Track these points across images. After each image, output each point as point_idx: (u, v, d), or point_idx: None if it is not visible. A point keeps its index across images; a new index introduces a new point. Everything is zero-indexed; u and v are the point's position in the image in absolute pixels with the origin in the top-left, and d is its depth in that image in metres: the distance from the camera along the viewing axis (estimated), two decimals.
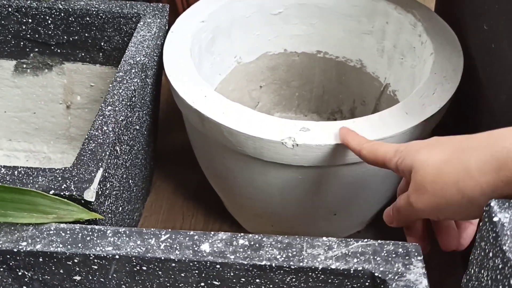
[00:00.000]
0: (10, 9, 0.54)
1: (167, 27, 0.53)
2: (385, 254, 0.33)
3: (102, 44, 0.55)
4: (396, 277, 0.31)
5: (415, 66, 0.54)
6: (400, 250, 0.33)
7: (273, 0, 0.60)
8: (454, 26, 0.52)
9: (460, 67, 0.48)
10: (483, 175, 0.28)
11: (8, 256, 0.34)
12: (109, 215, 0.42)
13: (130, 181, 0.48)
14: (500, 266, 0.26)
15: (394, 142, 0.43)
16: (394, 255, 0.33)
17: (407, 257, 0.32)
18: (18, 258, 0.34)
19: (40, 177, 0.37)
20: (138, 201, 0.55)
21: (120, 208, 0.46)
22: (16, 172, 0.37)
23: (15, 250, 0.34)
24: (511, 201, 0.27)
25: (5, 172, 0.37)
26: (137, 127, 0.47)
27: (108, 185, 0.40)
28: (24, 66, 0.58)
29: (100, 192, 0.38)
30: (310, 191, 0.47)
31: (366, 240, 0.34)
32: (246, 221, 0.58)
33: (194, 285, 0.34)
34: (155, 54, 0.50)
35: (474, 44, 0.49)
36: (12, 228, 0.35)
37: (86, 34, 0.54)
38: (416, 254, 0.33)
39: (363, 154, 0.38)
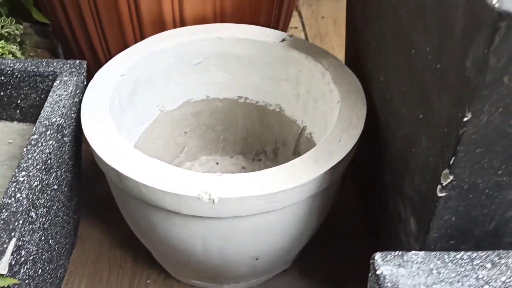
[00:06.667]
0: None
1: (85, 83, 0.54)
2: None
3: (19, 102, 0.55)
4: None
5: (326, 112, 0.57)
6: None
7: (192, 51, 0.62)
8: (360, 76, 0.56)
9: (363, 115, 0.51)
10: None
11: None
12: (27, 281, 0.42)
13: (51, 241, 0.48)
14: None
15: (306, 189, 0.46)
16: None
17: None
18: None
19: None
20: (62, 258, 0.54)
21: (40, 270, 0.45)
22: None
23: None
24: (392, 254, 0.30)
25: None
26: (55, 187, 0.47)
27: (23, 253, 0.40)
28: None
29: (14, 262, 0.38)
30: (230, 240, 0.48)
31: None
32: (174, 270, 0.59)
33: None
34: (73, 112, 0.51)
35: (375, 94, 0.53)
36: None
37: (2, 93, 0.54)
38: None
39: None
